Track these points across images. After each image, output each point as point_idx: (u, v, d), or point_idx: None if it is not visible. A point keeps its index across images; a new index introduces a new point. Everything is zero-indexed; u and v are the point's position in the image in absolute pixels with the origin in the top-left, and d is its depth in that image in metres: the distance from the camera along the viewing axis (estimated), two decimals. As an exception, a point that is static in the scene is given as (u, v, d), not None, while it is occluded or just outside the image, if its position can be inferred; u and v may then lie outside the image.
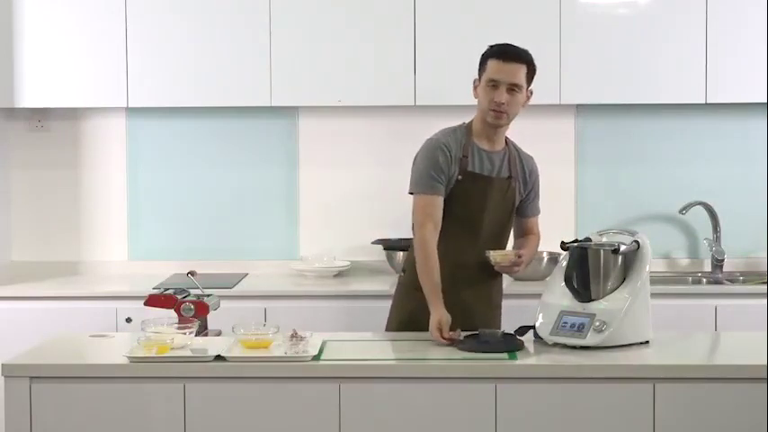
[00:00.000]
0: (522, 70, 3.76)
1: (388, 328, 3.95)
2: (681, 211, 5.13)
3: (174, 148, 5.27)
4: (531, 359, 3.41)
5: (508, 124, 3.85)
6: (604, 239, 3.63)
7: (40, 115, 5.24)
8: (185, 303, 3.79)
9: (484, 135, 3.85)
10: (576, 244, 3.61)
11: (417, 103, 4.93)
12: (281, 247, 5.28)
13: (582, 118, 5.23)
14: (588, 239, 3.64)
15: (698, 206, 5.14)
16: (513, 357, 3.38)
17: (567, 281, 3.58)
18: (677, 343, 3.70)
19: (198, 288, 3.92)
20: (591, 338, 3.43)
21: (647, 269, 3.55)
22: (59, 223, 5.29)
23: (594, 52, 4.92)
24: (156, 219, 5.29)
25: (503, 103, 3.74)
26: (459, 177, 3.79)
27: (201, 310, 3.80)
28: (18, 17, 4.93)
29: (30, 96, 4.97)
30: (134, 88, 4.94)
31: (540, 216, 4.01)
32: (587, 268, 3.54)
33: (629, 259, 3.56)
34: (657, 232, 5.13)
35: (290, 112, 5.22)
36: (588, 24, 4.92)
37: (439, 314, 3.60)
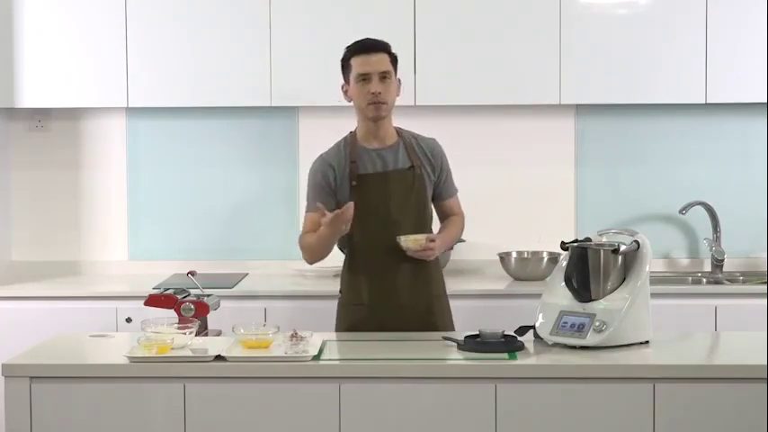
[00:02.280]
0: (385, 58, 3.85)
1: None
2: (681, 211, 5.13)
3: (174, 148, 5.27)
4: (531, 359, 3.40)
5: (389, 115, 3.90)
6: (604, 239, 3.63)
7: (40, 115, 5.24)
8: (185, 303, 3.79)
9: (370, 135, 3.89)
10: (576, 244, 3.61)
11: (417, 104, 4.93)
12: (281, 247, 5.28)
13: (582, 118, 5.23)
14: (588, 239, 3.64)
15: (698, 206, 5.14)
16: (513, 357, 3.38)
17: (567, 281, 3.58)
18: (677, 343, 3.70)
19: (198, 288, 3.93)
20: (591, 338, 3.43)
21: (647, 269, 3.55)
22: (59, 223, 5.29)
23: (594, 52, 4.92)
24: (156, 219, 5.29)
25: (379, 93, 3.81)
26: (354, 183, 3.83)
27: (201, 310, 3.80)
28: (18, 17, 4.93)
29: (30, 96, 4.97)
30: (134, 88, 4.94)
31: (458, 194, 4.04)
32: (587, 268, 3.53)
33: (629, 259, 3.56)
34: (657, 232, 5.13)
35: (290, 112, 5.23)
36: (588, 24, 4.92)
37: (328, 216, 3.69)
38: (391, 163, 3.88)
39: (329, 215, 3.66)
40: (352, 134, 3.94)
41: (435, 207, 4.01)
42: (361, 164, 3.87)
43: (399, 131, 3.95)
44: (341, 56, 3.93)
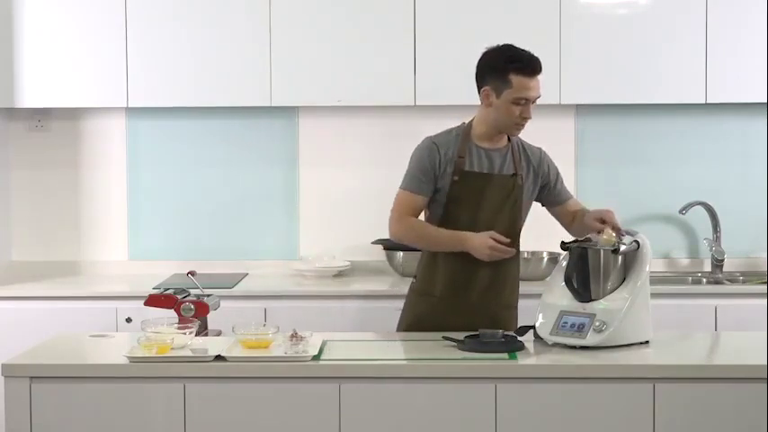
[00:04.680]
0: (539, 79, 3.74)
1: (398, 330, 3.96)
2: (681, 211, 5.13)
3: (174, 148, 5.27)
4: (531, 359, 3.40)
5: None
6: (604, 239, 3.63)
7: (40, 115, 5.24)
8: (185, 303, 3.79)
9: (487, 136, 3.82)
10: (576, 244, 3.61)
11: (417, 103, 4.93)
12: (281, 247, 5.28)
13: (582, 118, 5.23)
14: (588, 239, 3.64)
15: (698, 206, 5.14)
16: (513, 357, 3.38)
17: (567, 281, 3.58)
18: (677, 343, 3.70)
19: (198, 288, 3.92)
20: (591, 338, 3.43)
21: (647, 269, 3.55)
22: (59, 223, 5.29)
23: (594, 52, 4.92)
24: (156, 219, 5.29)
25: (530, 117, 3.74)
26: (456, 178, 3.77)
27: (201, 310, 3.80)
28: (18, 17, 4.94)
29: (30, 96, 4.97)
30: (134, 88, 4.94)
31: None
32: (587, 268, 3.53)
33: (629, 259, 3.56)
34: (657, 232, 5.13)
35: (290, 112, 5.23)
36: (588, 24, 4.92)
37: (480, 234, 3.68)
38: (497, 166, 3.81)
39: (498, 246, 3.68)
40: (466, 126, 3.84)
41: (558, 212, 3.93)
42: (468, 160, 3.79)
43: (509, 137, 3.87)
44: (484, 58, 3.76)
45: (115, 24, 4.93)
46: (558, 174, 3.95)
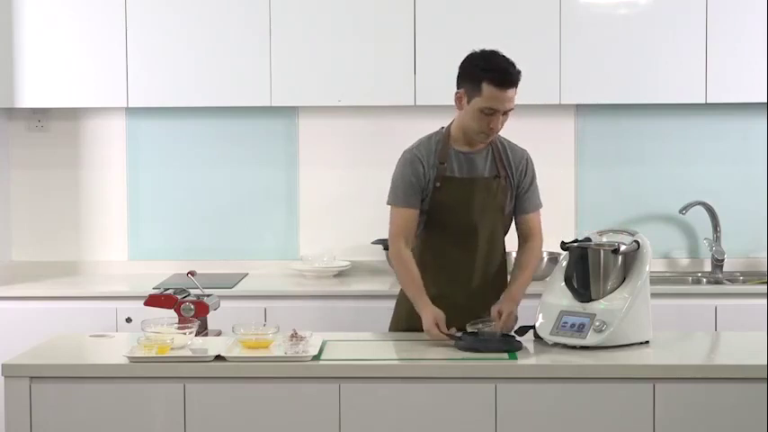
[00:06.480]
0: (515, 91, 3.66)
1: (390, 328, 3.96)
2: (681, 211, 5.13)
3: (174, 148, 5.27)
4: (531, 359, 3.41)
5: None
6: (604, 239, 3.64)
7: (40, 115, 5.24)
8: (185, 303, 3.79)
9: (465, 140, 3.78)
10: (576, 244, 3.61)
11: (417, 103, 4.93)
12: (281, 247, 5.28)
13: (582, 118, 5.23)
14: (588, 239, 3.64)
15: (698, 206, 5.14)
16: (513, 357, 3.38)
17: (567, 281, 3.58)
18: (677, 343, 3.71)
19: (198, 288, 3.93)
20: (591, 338, 3.44)
21: (647, 269, 3.55)
22: (59, 223, 5.29)
23: (594, 52, 4.92)
24: (156, 219, 5.29)
25: (497, 129, 3.69)
26: (438, 184, 3.75)
27: (201, 310, 3.80)
28: (18, 17, 4.93)
29: (30, 96, 4.97)
30: (134, 88, 4.94)
31: (541, 210, 3.88)
32: (587, 268, 3.54)
33: (629, 259, 3.56)
34: (657, 232, 5.13)
35: (290, 112, 5.22)
36: (588, 24, 4.92)
37: (432, 312, 3.61)
38: (479, 169, 3.77)
39: (437, 331, 3.58)
40: (445, 131, 3.81)
41: (515, 221, 3.87)
42: (448, 166, 3.76)
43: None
44: (464, 60, 3.71)
45: (115, 24, 4.93)
46: (531, 183, 3.85)
